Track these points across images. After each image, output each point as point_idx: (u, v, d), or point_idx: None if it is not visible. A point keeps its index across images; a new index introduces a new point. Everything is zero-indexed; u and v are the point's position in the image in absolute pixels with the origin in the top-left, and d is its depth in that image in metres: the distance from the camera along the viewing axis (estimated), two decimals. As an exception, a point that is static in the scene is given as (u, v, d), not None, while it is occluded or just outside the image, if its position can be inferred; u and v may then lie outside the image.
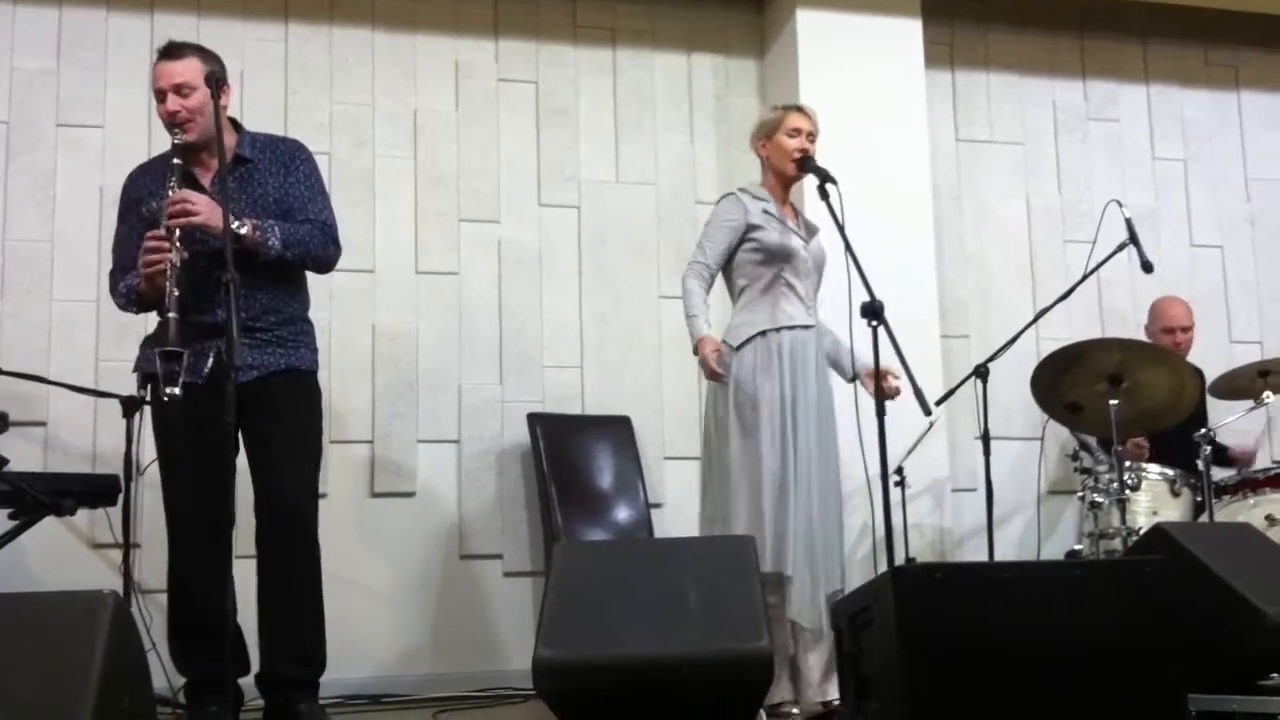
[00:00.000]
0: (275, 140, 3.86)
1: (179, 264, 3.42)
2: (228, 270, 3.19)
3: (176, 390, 3.27)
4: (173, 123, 3.59)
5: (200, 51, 3.67)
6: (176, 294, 3.38)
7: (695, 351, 4.05)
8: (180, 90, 3.58)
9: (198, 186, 3.64)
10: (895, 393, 3.90)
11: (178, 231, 3.45)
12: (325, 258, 3.80)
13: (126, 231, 3.73)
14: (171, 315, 3.34)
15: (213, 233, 3.49)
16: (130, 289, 3.64)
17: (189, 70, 3.60)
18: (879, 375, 3.73)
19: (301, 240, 3.69)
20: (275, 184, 3.73)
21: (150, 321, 3.78)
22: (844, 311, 3.96)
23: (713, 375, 4.00)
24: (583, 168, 5.59)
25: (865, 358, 3.91)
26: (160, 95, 3.61)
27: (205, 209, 3.49)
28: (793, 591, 3.91)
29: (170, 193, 3.50)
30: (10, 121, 5.00)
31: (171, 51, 3.65)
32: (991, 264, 5.98)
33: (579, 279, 5.51)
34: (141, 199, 3.71)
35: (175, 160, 3.55)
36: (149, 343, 3.73)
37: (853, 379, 4.24)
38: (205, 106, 3.58)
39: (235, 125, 3.77)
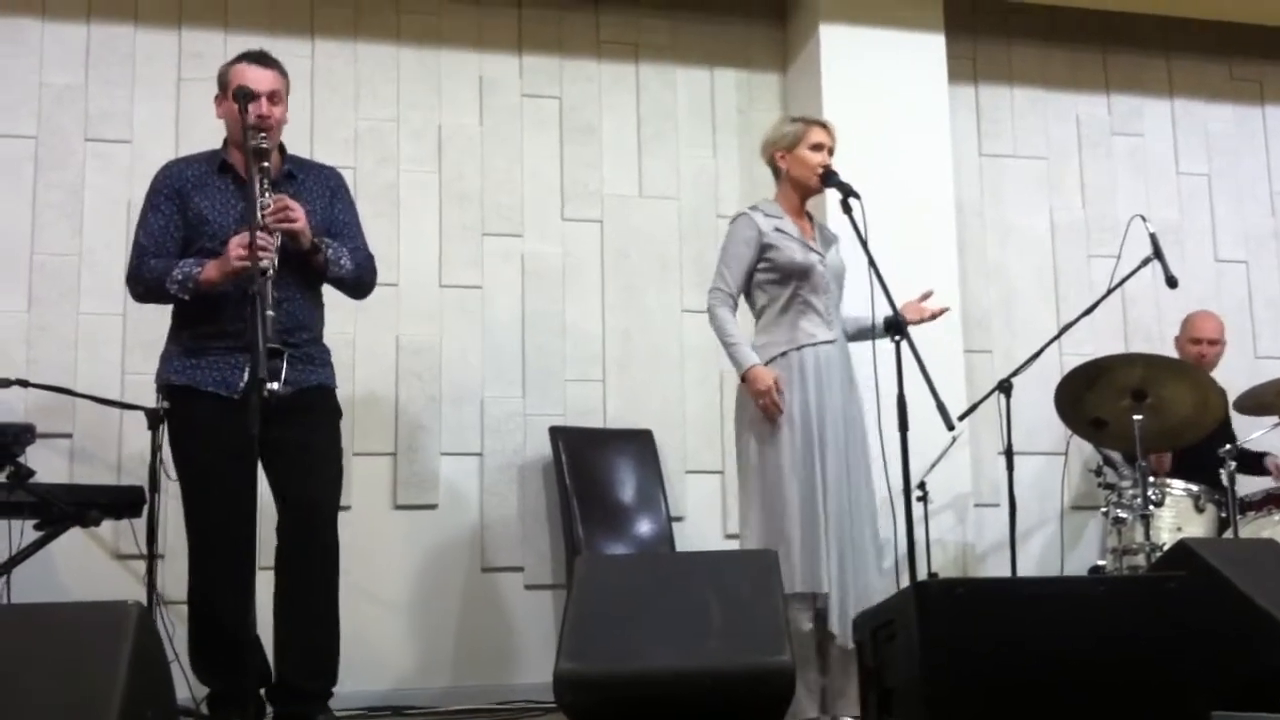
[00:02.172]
0: (315, 165, 4.00)
1: (277, 264, 3.49)
2: (255, 282, 3.23)
3: (277, 385, 3.31)
4: (263, 127, 3.66)
5: (282, 68, 3.83)
6: (275, 293, 3.45)
7: (742, 380, 4.04)
8: (273, 98, 3.72)
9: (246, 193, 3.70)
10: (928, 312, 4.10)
11: (279, 236, 3.53)
12: (370, 286, 3.99)
13: (163, 221, 3.74)
14: (270, 313, 3.38)
15: (301, 244, 3.63)
16: (190, 277, 3.63)
17: (279, 82, 3.77)
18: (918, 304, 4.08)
19: (360, 265, 3.88)
20: (321, 206, 3.83)
21: (161, 334, 3.83)
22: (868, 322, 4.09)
23: (770, 409, 3.98)
24: (605, 182, 5.60)
25: (883, 310, 3.96)
26: (252, 96, 3.66)
27: (304, 218, 3.61)
28: (829, 609, 3.91)
29: (267, 197, 3.55)
30: (39, 136, 5.04)
31: (265, 60, 3.79)
32: (1015, 279, 5.97)
33: (601, 293, 5.52)
34: (184, 191, 3.75)
35: (264, 164, 3.62)
36: (170, 355, 3.76)
37: (887, 329, 3.99)
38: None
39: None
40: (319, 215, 3.80)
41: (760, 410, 4.00)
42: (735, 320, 4.12)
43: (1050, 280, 6.01)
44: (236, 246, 3.51)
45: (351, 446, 4.85)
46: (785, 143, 4.21)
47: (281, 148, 3.85)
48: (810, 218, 4.28)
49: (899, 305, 3.97)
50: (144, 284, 3.74)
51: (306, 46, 5.33)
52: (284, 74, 3.82)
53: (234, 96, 3.66)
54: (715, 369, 5.46)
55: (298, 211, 3.61)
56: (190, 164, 3.84)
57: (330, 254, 3.75)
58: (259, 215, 3.51)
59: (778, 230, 4.13)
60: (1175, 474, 5.07)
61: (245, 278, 3.45)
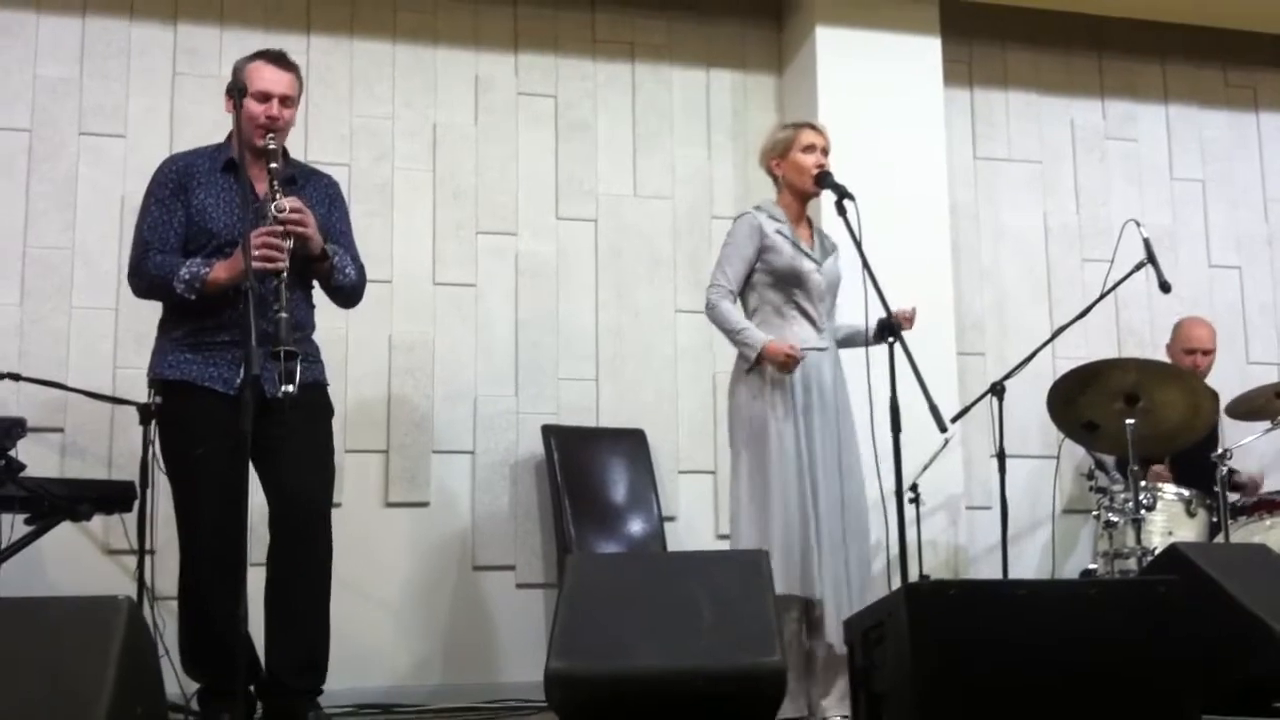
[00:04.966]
0: (314, 171, 4.00)
1: (288, 265, 3.50)
2: (248, 279, 3.21)
3: (293, 388, 3.28)
4: (272, 128, 3.67)
5: (299, 71, 3.83)
6: (288, 295, 3.45)
7: (759, 360, 4.01)
8: (285, 101, 3.73)
9: (252, 194, 3.69)
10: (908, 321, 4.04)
11: (291, 239, 3.54)
12: (360, 298, 4.00)
13: (166, 215, 3.71)
14: (284, 315, 3.38)
15: (311, 250, 3.64)
16: (197, 277, 3.61)
17: (294, 86, 3.77)
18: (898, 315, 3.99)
19: (356, 274, 3.90)
20: (321, 213, 3.80)
21: (154, 328, 3.82)
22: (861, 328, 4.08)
23: (787, 363, 3.97)
24: (600, 181, 5.60)
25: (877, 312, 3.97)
26: (264, 97, 3.68)
27: (314, 224, 3.63)
28: (823, 615, 3.92)
29: (279, 197, 3.56)
30: (33, 129, 5.03)
31: (283, 61, 3.78)
32: (1008, 282, 5.98)
33: (595, 292, 5.52)
34: (188, 186, 3.72)
35: (273, 165, 3.62)
36: (164, 350, 3.74)
37: (880, 332, 4.10)
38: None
39: None
40: (319, 222, 3.77)
41: (783, 365, 3.97)
42: (739, 310, 4.13)
43: (1043, 284, 6.02)
44: (255, 247, 3.45)
45: (343, 444, 4.84)
46: (778, 149, 4.24)
47: (285, 152, 3.83)
48: (811, 225, 4.28)
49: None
50: (147, 279, 3.71)
51: (302, 42, 5.31)
52: (300, 78, 3.82)
53: (227, 90, 3.64)
54: (708, 369, 5.46)
55: (309, 216, 3.62)
56: (195, 158, 3.81)
57: (336, 261, 3.77)
58: (272, 214, 3.52)
59: (779, 233, 4.14)
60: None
61: (255, 278, 3.43)
